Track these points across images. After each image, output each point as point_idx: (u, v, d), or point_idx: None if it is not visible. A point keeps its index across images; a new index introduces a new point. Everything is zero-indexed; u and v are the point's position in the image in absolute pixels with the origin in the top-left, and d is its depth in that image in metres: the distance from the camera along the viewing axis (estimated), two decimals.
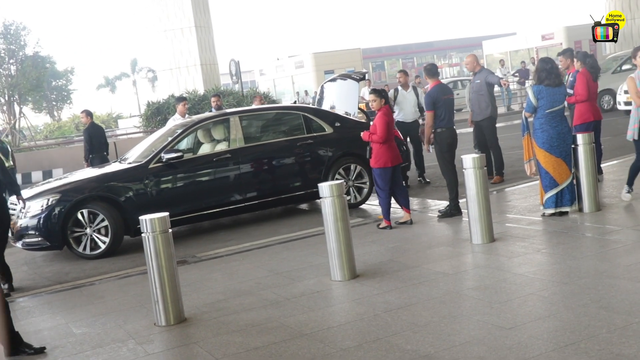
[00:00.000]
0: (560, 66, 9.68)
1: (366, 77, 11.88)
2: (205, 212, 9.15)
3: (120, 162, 9.63)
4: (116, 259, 8.31)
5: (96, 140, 12.83)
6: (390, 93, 11.46)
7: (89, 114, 13.23)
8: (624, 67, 20.76)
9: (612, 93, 20.29)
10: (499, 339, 4.34)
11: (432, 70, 8.62)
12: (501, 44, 45.42)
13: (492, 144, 10.60)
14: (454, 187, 8.43)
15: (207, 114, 10.81)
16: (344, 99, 11.21)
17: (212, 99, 12.88)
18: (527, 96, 7.69)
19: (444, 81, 13.39)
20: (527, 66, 30.43)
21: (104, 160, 12.42)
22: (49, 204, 8.38)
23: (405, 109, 11.46)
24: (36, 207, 8.40)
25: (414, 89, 11.73)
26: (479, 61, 11.11)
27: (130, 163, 9.20)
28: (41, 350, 5.11)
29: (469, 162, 6.96)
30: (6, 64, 28.06)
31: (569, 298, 4.96)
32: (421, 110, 11.65)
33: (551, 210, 7.63)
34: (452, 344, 4.35)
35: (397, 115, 11.28)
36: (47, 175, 19.78)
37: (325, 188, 6.16)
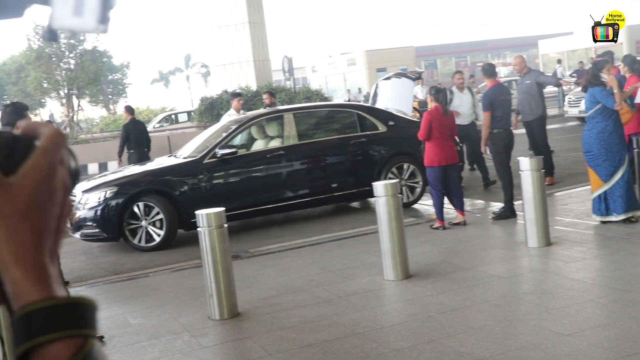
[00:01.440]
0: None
1: (421, 76, 11.76)
2: (257, 208, 9.22)
3: (175, 157, 9.77)
4: (170, 252, 8.44)
5: (134, 137, 12.56)
6: None
7: (129, 110, 13.14)
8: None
9: None
10: (556, 345, 4.25)
11: (489, 70, 8.51)
12: (558, 43, 44.60)
13: (543, 144, 10.40)
14: (509, 188, 8.30)
15: (261, 111, 10.89)
16: (398, 98, 11.14)
17: (264, 96, 12.82)
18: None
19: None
20: (585, 66, 29.75)
21: (143, 157, 12.23)
22: (107, 196, 8.55)
23: (461, 112, 10.90)
24: (94, 199, 8.58)
25: (469, 89, 11.35)
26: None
27: (185, 158, 9.32)
28: (99, 339, 5.22)
29: (525, 164, 6.85)
30: (66, 58, 28.76)
31: (630, 306, 4.84)
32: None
33: (598, 218, 7.43)
34: (508, 349, 4.29)
35: None
36: (103, 167, 20.21)
37: (379, 187, 6.14)
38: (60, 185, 0.70)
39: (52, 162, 0.70)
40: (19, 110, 5.07)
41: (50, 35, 0.74)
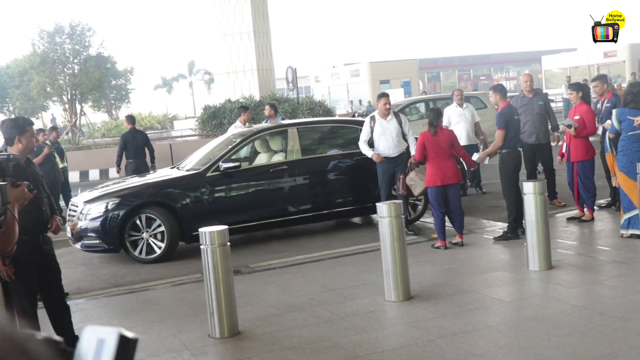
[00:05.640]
0: (595, 92, 9.49)
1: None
2: (259, 222, 9.22)
3: (178, 169, 9.77)
4: (171, 265, 8.43)
5: (131, 147, 12.43)
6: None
7: (129, 119, 13.00)
8: None
9: None
10: None
11: (503, 90, 8.59)
12: (561, 59, 44.69)
13: (550, 167, 10.29)
14: (513, 209, 8.29)
15: (265, 124, 10.88)
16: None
17: (267, 107, 12.54)
18: (611, 118, 7.80)
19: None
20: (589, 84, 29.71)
21: (141, 167, 12.15)
22: (109, 207, 8.55)
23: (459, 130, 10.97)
24: (96, 210, 8.58)
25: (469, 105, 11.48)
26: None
27: (188, 170, 9.33)
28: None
29: (529, 187, 6.85)
30: (70, 63, 28.79)
31: (632, 336, 4.82)
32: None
33: (623, 231, 7.56)
34: None
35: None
36: (104, 173, 20.21)
37: (383, 208, 6.13)
38: None
39: None
40: (20, 126, 4.90)
41: None
